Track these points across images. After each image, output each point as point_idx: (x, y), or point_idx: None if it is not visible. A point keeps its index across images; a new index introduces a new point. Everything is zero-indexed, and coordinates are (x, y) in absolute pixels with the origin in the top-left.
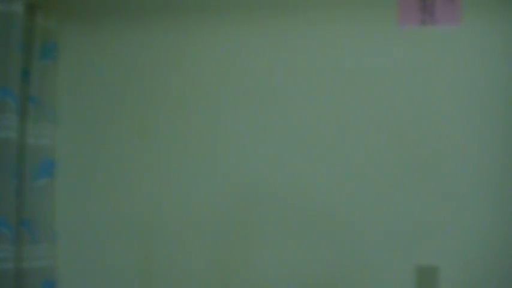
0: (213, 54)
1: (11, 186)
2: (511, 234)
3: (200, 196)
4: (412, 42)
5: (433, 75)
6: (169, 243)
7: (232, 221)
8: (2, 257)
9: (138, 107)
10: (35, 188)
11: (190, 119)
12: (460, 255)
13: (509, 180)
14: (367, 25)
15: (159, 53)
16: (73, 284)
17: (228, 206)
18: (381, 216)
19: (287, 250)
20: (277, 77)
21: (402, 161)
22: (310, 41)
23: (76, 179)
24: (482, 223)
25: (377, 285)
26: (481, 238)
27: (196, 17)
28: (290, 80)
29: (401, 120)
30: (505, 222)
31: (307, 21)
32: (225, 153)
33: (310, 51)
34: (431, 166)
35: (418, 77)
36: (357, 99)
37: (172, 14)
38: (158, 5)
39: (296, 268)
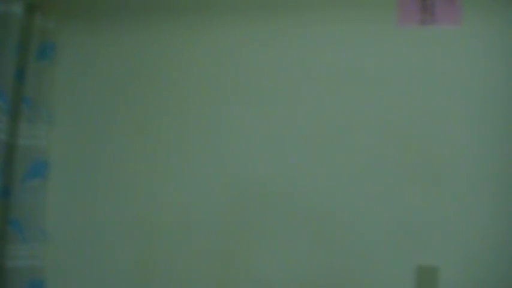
0: (214, 54)
1: None
2: (511, 234)
3: (200, 196)
4: (412, 42)
5: (433, 75)
6: (167, 244)
7: (232, 221)
8: None
9: (136, 108)
10: (26, 188)
11: (190, 120)
12: (460, 255)
13: (510, 180)
14: (367, 25)
15: (158, 53)
16: (66, 284)
17: (228, 206)
18: (381, 216)
19: (287, 250)
20: (277, 77)
21: (402, 161)
22: (311, 41)
23: (73, 179)
24: (483, 223)
25: (377, 285)
26: (481, 238)
27: (196, 17)
28: (290, 80)
29: (401, 120)
30: (505, 222)
31: (307, 21)
32: (225, 154)
33: (310, 51)
34: (431, 166)
35: (418, 77)
36: (357, 99)
37: (172, 15)
38: (158, 5)
39: (296, 268)
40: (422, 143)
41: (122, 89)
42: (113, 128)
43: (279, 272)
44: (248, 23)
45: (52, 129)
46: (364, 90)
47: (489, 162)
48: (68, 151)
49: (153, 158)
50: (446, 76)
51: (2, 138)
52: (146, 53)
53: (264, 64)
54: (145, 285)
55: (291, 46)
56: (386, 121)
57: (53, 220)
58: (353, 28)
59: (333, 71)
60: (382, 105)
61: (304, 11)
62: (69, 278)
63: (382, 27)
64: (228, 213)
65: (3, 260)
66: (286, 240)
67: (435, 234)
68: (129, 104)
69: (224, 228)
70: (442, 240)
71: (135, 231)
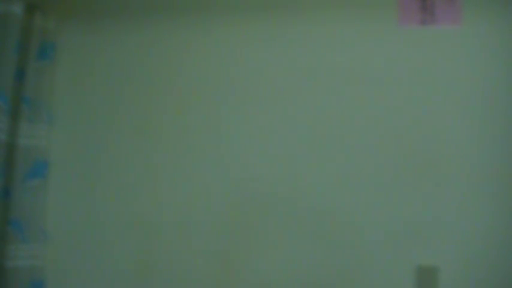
0: (214, 54)
1: None
2: (511, 234)
3: (200, 196)
4: (412, 42)
5: (433, 75)
6: (167, 244)
7: (232, 221)
8: None
9: (137, 108)
10: (26, 188)
11: (191, 120)
12: (460, 255)
13: (509, 180)
14: (367, 25)
15: (158, 53)
16: (66, 284)
17: (228, 206)
18: (381, 216)
19: (287, 250)
20: (277, 77)
21: (402, 161)
22: (311, 41)
23: (73, 179)
24: (482, 223)
25: (377, 285)
26: (481, 238)
27: (196, 17)
28: (290, 80)
29: (401, 120)
30: (505, 222)
31: (307, 21)
32: (225, 154)
33: (310, 51)
34: (431, 166)
35: (418, 77)
36: (357, 99)
37: (172, 15)
38: (158, 5)
39: (296, 268)
40: (422, 142)
41: (122, 89)
42: (113, 128)
43: (279, 272)
44: (248, 23)
45: (52, 129)
46: (364, 90)
47: (489, 162)
48: (68, 151)
49: (153, 158)
50: (446, 76)
51: (2, 138)
52: (146, 53)
53: (264, 64)
54: (145, 285)
55: (291, 46)
56: (386, 121)
57: (53, 220)
58: (353, 28)
59: (333, 70)
60: (382, 105)
61: (304, 11)
62: (69, 278)
63: (382, 27)
64: (228, 213)
65: (3, 260)
66: (286, 240)
67: (435, 234)
68: (129, 104)
69: (224, 228)
70: (442, 240)
71: (135, 231)
